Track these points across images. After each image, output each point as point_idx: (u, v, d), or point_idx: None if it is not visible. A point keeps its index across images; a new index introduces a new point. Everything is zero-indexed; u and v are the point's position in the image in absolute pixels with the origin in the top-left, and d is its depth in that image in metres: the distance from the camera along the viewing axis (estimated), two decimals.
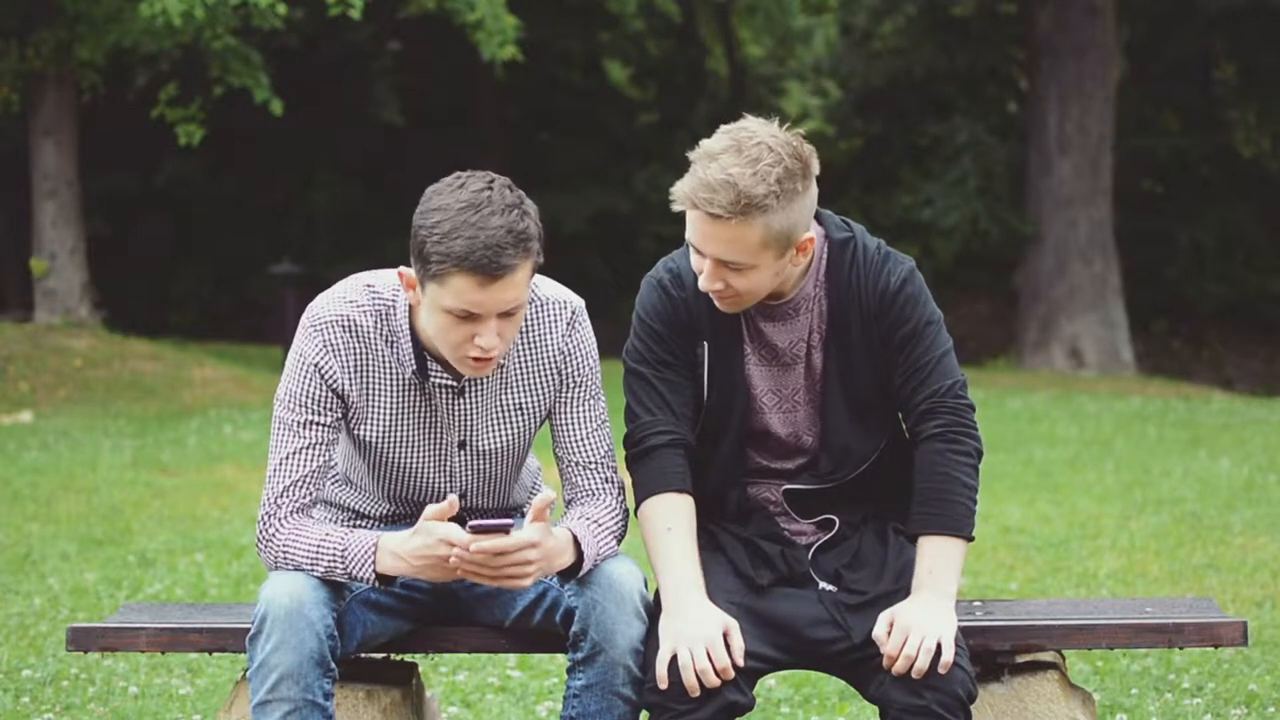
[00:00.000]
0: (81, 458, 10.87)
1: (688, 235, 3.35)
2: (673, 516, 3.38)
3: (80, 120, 17.73)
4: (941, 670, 3.20)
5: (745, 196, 3.22)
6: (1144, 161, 24.54)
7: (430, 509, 3.23)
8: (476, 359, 3.27)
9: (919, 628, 3.22)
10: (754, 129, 3.29)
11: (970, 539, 3.39)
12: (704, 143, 3.30)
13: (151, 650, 3.57)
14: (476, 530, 3.17)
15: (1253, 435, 12.72)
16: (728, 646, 3.23)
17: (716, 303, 3.40)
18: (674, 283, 3.47)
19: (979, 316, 23.71)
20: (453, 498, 3.23)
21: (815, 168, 3.32)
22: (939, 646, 3.20)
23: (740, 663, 3.22)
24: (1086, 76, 21.25)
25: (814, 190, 3.34)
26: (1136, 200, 24.03)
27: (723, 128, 3.32)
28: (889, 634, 3.24)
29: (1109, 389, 18.13)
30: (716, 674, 3.19)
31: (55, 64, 16.77)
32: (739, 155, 3.24)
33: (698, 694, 3.19)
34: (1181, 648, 3.99)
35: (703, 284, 3.34)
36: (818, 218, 3.47)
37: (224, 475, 10.24)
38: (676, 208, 3.32)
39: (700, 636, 3.21)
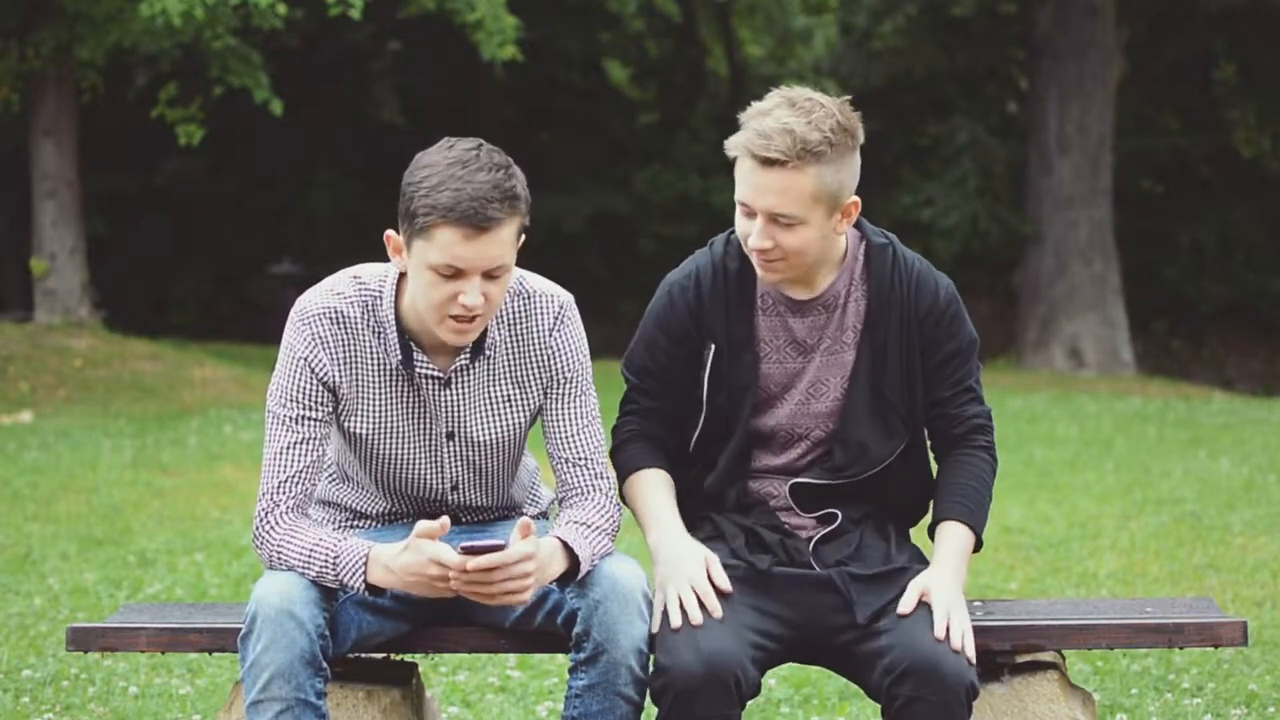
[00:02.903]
0: (81, 458, 10.86)
1: (738, 195, 3.40)
2: (643, 485, 3.52)
3: (80, 120, 17.71)
4: (970, 656, 3.26)
5: (802, 141, 3.30)
6: (1144, 161, 24.54)
7: (421, 525, 3.22)
8: (458, 318, 3.27)
9: (958, 606, 3.31)
10: (803, 90, 3.40)
11: (981, 544, 3.52)
12: (754, 104, 3.39)
13: (151, 650, 3.57)
14: (467, 551, 3.17)
15: (1253, 435, 12.72)
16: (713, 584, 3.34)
17: (762, 270, 3.43)
18: (687, 286, 3.53)
19: (979, 316, 23.45)
20: (444, 519, 3.23)
21: (861, 135, 3.41)
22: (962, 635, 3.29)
23: (725, 587, 3.30)
24: (1086, 76, 21.24)
25: (859, 158, 3.42)
26: (1136, 200, 24.03)
27: (773, 90, 3.41)
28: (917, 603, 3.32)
29: (1109, 389, 18.13)
30: (705, 610, 3.26)
31: (55, 64, 16.76)
32: (793, 108, 3.34)
33: (697, 622, 3.26)
34: (1181, 648, 3.99)
35: (753, 242, 3.38)
36: (855, 222, 3.54)
37: (224, 475, 10.23)
38: (732, 153, 3.38)
39: (685, 575, 3.31)
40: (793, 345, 3.51)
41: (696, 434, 3.54)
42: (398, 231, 3.31)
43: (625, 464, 3.56)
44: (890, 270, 3.49)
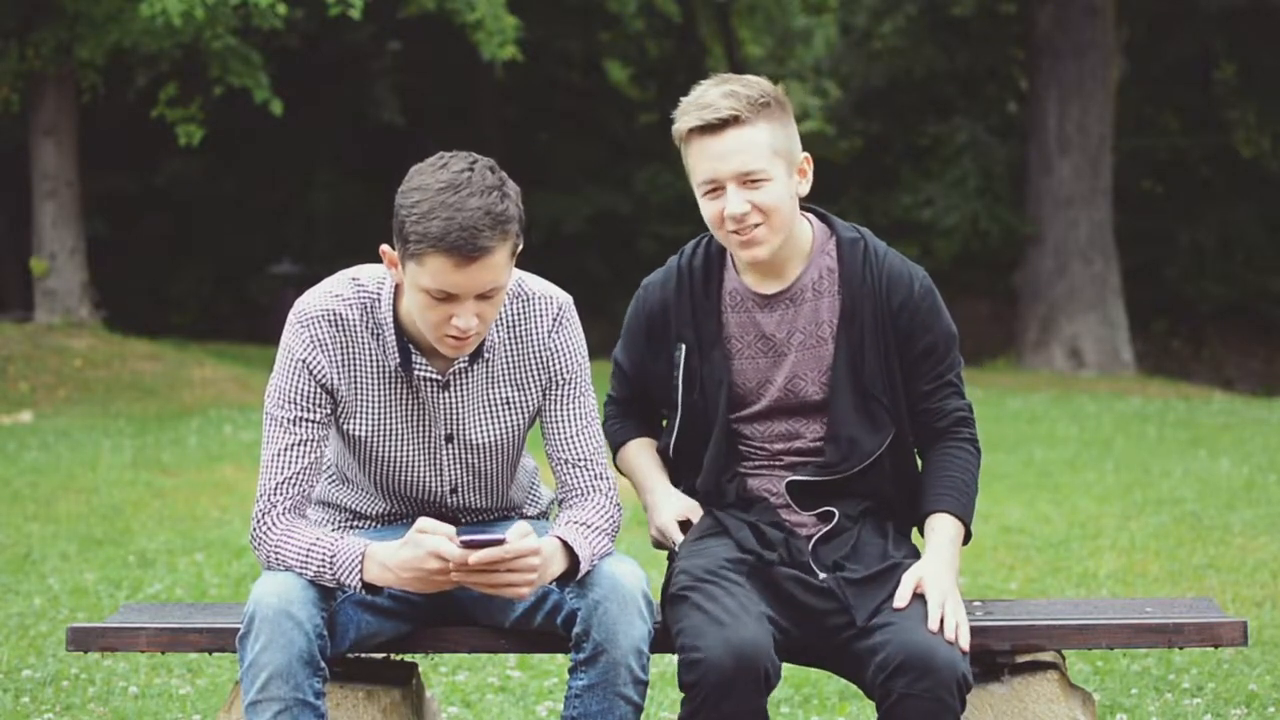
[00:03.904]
0: (81, 458, 10.86)
1: (700, 178, 3.47)
2: (627, 454, 3.72)
3: (80, 120, 17.70)
4: (964, 646, 3.27)
5: (745, 97, 3.42)
6: (1144, 161, 24.53)
7: (423, 521, 3.22)
8: (454, 338, 3.29)
9: (953, 597, 3.33)
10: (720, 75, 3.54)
11: (970, 535, 3.53)
12: (683, 100, 3.51)
13: (151, 650, 3.57)
14: (467, 545, 3.17)
15: (1253, 435, 12.71)
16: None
17: (743, 249, 3.47)
18: (653, 287, 3.63)
19: (979, 316, 23.69)
20: (450, 529, 3.23)
21: (790, 106, 3.53)
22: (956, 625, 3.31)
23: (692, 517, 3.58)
24: (1086, 76, 21.24)
25: (795, 125, 3.53)
26: (1136, 200, 24.02)
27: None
28: (913, 593, 3.35)
29: (1109, 389, 18.12)
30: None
31: (55, 64, 16.75)
32: (722, 83, 3.47)
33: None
34: (1181, 648, 3.99)
35: (730, 210, 3.43)
36: (823, 218, 3.60)
37: (224, 475, 10.23)
38: (680, 139, 3.49)
39: (654, 525, 3.60)
40: (762, 340, 3.55)
41: (674, 435, 3.59)
42: (393, 246, 3.31)
43: (610, 439, 3.71)
44: (861, 264, 3.53)
